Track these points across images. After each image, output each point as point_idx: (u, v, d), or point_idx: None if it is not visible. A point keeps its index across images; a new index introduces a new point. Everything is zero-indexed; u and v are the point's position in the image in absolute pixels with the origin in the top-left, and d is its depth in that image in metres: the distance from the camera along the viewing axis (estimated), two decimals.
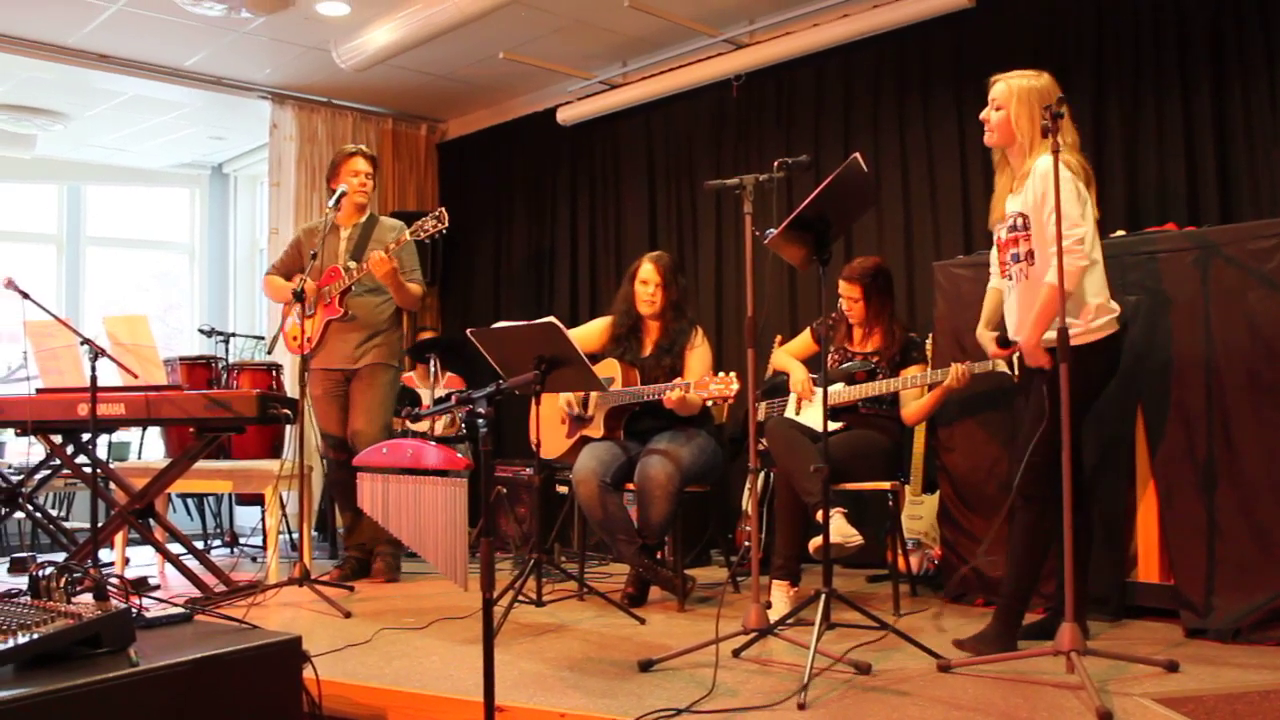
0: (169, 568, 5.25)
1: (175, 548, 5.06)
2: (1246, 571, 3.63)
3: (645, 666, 3.30)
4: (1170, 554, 3.86)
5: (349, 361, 5.20)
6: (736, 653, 3.43)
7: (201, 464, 5.17)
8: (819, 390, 3.68)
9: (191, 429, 4.88)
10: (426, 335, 7.15)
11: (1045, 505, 3.39)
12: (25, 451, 6.70)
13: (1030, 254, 3.44)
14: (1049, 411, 3.32)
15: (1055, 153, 3.14)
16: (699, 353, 4.60)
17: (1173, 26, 4.77)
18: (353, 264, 5.04)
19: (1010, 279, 3.55)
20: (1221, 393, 3.74)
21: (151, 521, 4.98)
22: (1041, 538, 3.45)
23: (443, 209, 4.92)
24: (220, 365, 6.54)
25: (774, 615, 3.73)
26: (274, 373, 6.36)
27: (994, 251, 3.68)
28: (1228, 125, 4.62)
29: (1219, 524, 3.71)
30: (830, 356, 4.57)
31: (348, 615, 4.27)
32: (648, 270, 4.65)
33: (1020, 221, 3.46)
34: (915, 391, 4.41)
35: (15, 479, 5.87)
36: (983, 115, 3.56)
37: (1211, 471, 3.74)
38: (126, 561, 5.73)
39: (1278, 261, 3.66)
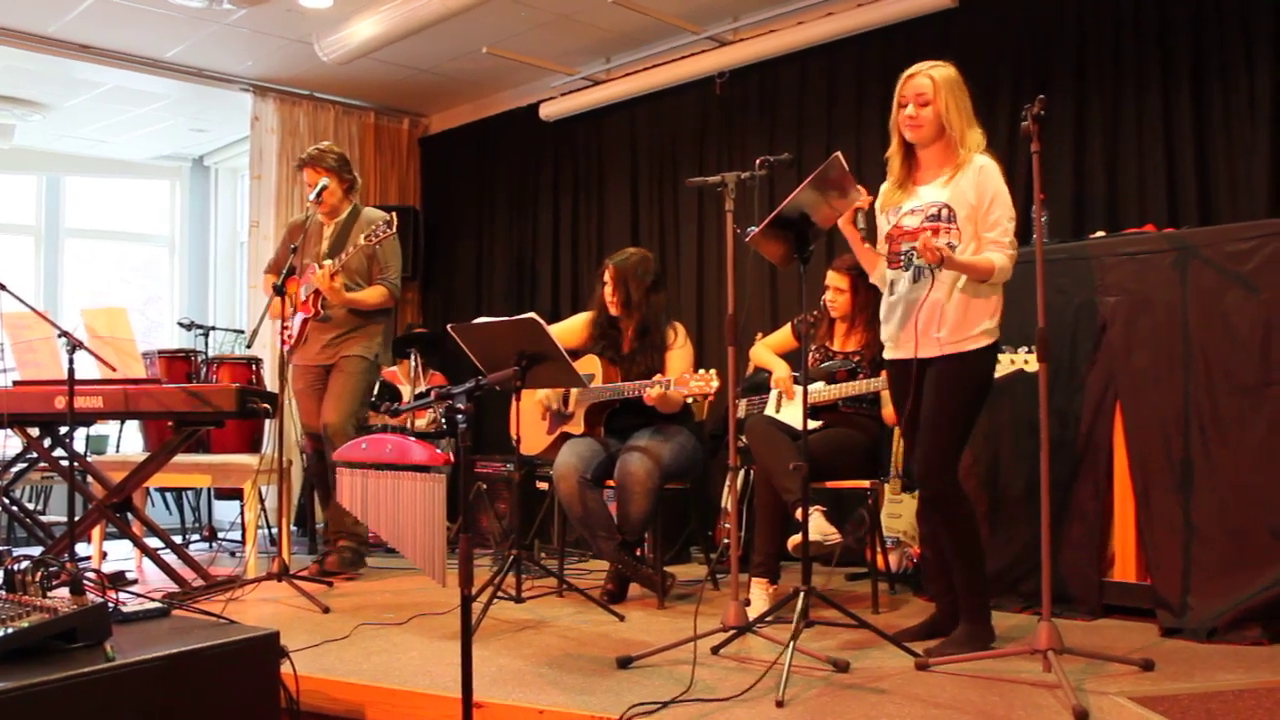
0: (146, 562, 5.22)
1: (153, 542, 5.03)
2: (1222, 571, 3.65)
3: (624, 663, 3.31)
4: (1147, 554, 3.89)
5: (326, 357, 5.19)
6: (715, 650, 3.43)
7: (180, 458, 5.14)
8: (799, 388, 3.69)
9: (170, 423, 4.85)
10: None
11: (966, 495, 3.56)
12: (2, 444, 6.64)
13: (950, 245, 3.39)
14: (971, 407, 3.47)
15: (1037, 154, 3.16)
16: (680, 352, 4.61)
17: (1153, 28, 4.79)
18: (328, 262, 5.02)
19: (908, 267, 3.49)
20: (1199, 393, 3.77)
21: (129, 515, 4.95)
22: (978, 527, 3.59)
23: (393, 213, 4.97)
24: (200, 359, 6.50)
25: (753, 613, 3.73)
26: (254, 367, 6.33)
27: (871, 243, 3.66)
28: (1207, 127, 4.64)
29: (1195, 524, 3.74)
30: (811, 354, 4.57)
31: (326, 610, 4.26)
32: (606, 272, 4.68)
33: (945, 212, 3.43)
34: None
35: None
36: (909, 112, 3.44)
37: (1188, 472, 3.77)
38: (104, 556, 5.70)
39: (1255, 264, 3.69)
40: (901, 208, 3.55)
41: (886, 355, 3.67)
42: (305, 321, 5.17)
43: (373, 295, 5.17)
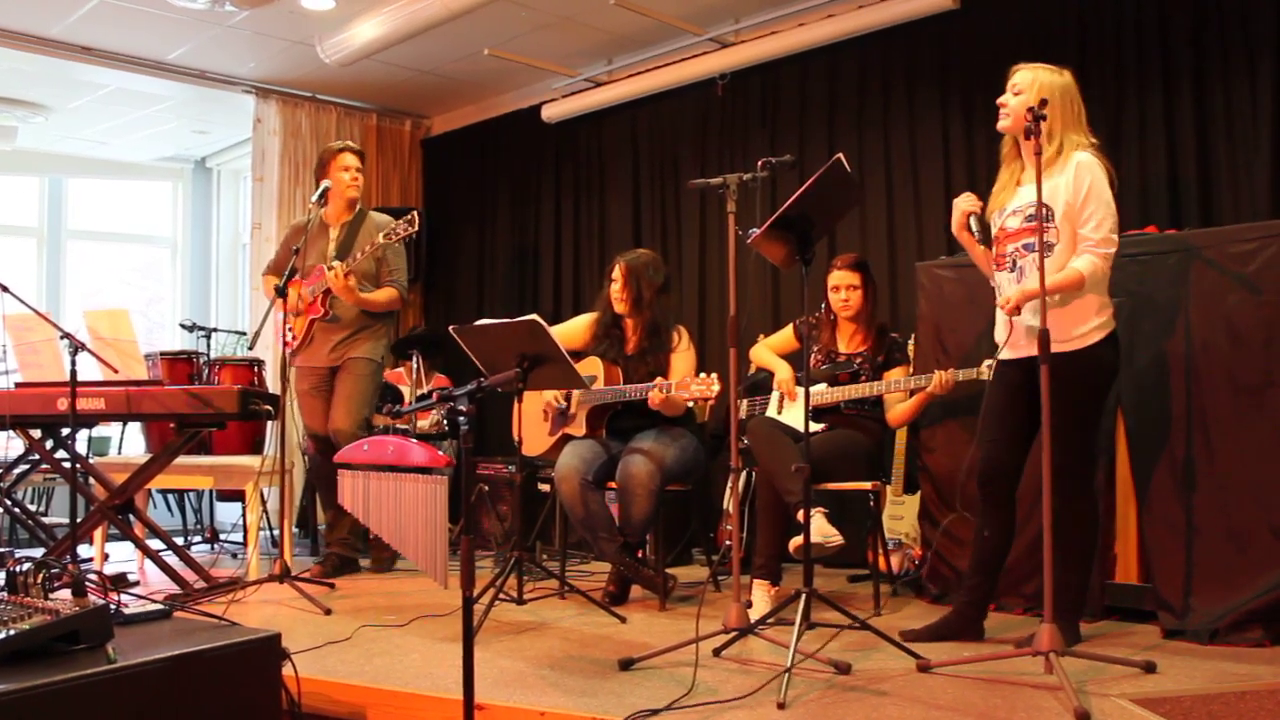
0: (148, 564, 5.23)
1: (155, 544, 5.04)
2: (1223, 573, 3.65)
3: (625, 665, 3.31)
4: (1149, 555, 3.88)
5: (332, 360, 5.22)
6: (717, 652, 3.43)
7: (182, 460, 5.15)
8: (801, 390, 3.69)
9: (172, 424, 4.85)
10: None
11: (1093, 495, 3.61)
12: (4, 446, 6.65)
13: (1049, 245, 3.44)
14: (1087, 404, 3.48)
15: (1037, 154, 3.19)
16: (683, 355, 4.61)
17: (1154, 29, 4.79)
18: (337, 264, 5.03)
19: (1012, 269, 3.54)
20: (1200, 395, 3.77)
21: (131, 517, 4.95)
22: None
23: (414, 212, 4.95)
24: (202, 360, 6.50)
25: (754, 614, 3.73)
26: (256, 368, 6.33)
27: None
28: (1209, 128, 4.64)
29: (1197, 525, 3.73)
30: (813, 356, 4.57)
31: (328, 612, 4.26)
32: (616, 269, 4.68)
33: (1043, 211, 3.43)
34: (899, 394, 4.42)
35: None
36: (1001, 99, 3.55)
37: (1190, 473, 3.77)
38: (106, 557, 5.71)
39: (1257, 265, 3.69)
40: (1006, 209, 3.59)
41: (1000, 356, 3.69)
42: (312, 323, 5.18)
43: (383, 296, 5.21)
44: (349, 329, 5.21)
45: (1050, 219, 3.44)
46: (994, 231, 3.63)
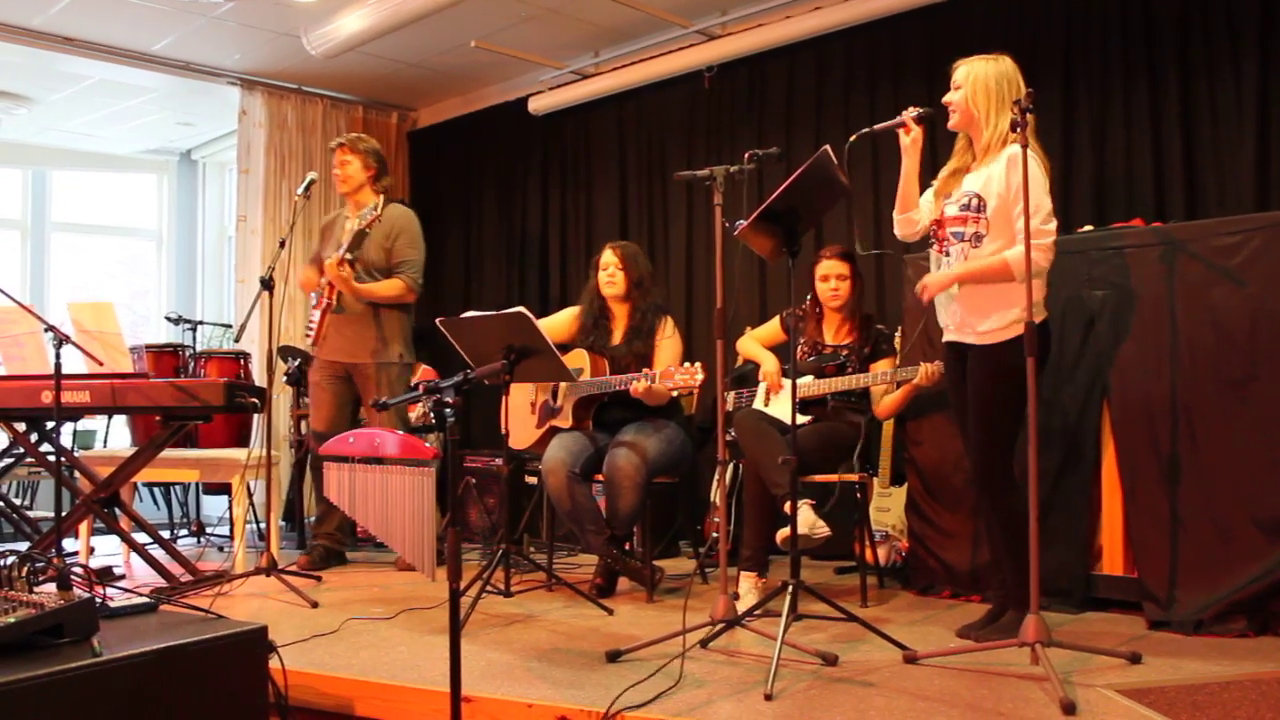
0: (134, 557, 5.22)
1: (141, 537, 5.02)
2: (1208, 564, 3.67)
3: (613, 657, 3.31)
4: (1134, 547, 3.90)
5: (345, 355, 5.21)
6: (704, 644, 3.44)
7: (168, 453, 5.13)
8: (788, 382, 3.70)
9: (158, 417, 4.83)
10: None
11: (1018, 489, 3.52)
12: None
13: (978, 236, 3.47)
14: (1003, 401, 3.43)
15: (1024, 147, 3.18)
16: (669, 343, 4.62)
17: (1140, 23, 4.80)
18: (335, 253, 5.02)
19: (948, 256, 3.57)
20: (1185, 387, 3.79)
21: (117, 510, 4.94)
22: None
23: (379, 198, 5.11)
24: (187, 353, 6.49)
25: (741, 606, 3.74)
26: (242, 361, 6.32)
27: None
28: (1194, 121, 4.65)
29: (1181, 517, 3.75)
30: (800, 349, 4.58)
31: (315, 605, 4.25)
32: (606, 256, 4.72)
33: (975, 202, 3.48)
34: (886, 386, 4.43)
35: None
36: (945, 99, 3.58)
37: (1175, 465, 3.78)
38: (91, 551, 5.68)
39: (1241, 258, 3.70)
40: (950, 195, 3.61)
41: (946, 338, 3.72)
42: (324, 315, 5.17)
43: (386, 288, 5.19)
44: (358, 324, 5.20)
45: (982, 210, 3.46)
46: (935, 214, 3.65)
